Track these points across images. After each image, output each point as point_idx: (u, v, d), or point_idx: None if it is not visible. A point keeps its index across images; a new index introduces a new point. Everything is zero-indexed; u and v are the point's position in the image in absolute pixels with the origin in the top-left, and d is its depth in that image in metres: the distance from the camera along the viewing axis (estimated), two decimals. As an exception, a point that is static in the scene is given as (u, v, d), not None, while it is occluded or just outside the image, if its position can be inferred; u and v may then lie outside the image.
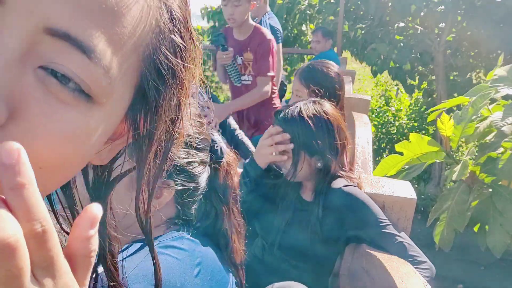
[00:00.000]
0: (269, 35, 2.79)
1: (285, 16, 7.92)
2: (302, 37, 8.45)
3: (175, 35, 0.37)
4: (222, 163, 1.01)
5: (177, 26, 0.38)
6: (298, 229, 1.48)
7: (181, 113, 0.41)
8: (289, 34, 8.27)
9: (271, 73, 2.75)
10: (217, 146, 0.99)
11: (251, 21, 2.82)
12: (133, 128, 0.39)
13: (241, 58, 2.82)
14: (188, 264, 0.81)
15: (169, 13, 0.37)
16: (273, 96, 2.97)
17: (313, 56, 4.86)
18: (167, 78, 0.38)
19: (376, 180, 1.52)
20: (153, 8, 0.35)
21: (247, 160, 1.61)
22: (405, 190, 1.45)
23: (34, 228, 0.26)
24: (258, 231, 1.61)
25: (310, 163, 1.49)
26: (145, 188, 0.43)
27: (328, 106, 1.52)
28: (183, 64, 0.39)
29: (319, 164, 1.47)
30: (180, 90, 0.40)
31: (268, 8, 4.54)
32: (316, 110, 1.48)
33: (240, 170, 1.62)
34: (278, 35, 3.51)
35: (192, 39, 0.40)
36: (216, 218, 0.99)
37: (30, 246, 0.26)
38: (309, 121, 1.46)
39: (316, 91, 1.99)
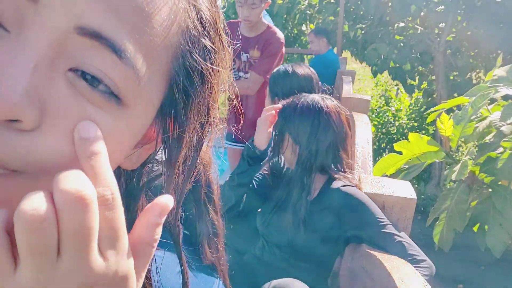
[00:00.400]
0: (282, 38, 2.74)
1: (285, 16, 7.92)
2: (302, 37, 8.45)
3: (204, 38, 0.37)
4: None
5: (207, 29, 0.37)
6: (297, 228, 1.48)
7: (210, 117, 0.41)
8: (289, 34, 8.28)
9: (266, 76, 2.68)
10: None
11: (263, 20, 2.78)
12: (162, 132, 0.38)
13: (247, 55, 2.76)
14: (171, 261, 0.81)
15: (198, 15, 0.36)
16: None
17: (313, 56, 4.85)
18: (196, 81, 0.37)
19: (376, 180, 1.53)
20: (182, 10, 0.34)
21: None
22: (405, 190, 1.45)
23: (105, 194, 0.27)
24: (259, 230, 1.61)
25: (294, 150, 1.51)
26: (173, 194, 0.41)
27: (329, 103, 1.52)
28: (212, 68, 0.38)
29: (298, 152, 1.49)
30: (209, 94, 0.39)
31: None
32: (314, 102, 1.49)
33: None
34: None
35: (222, 42, 0.40)
36: (186, 217, 0.94)
37: (99, 213, 0.27)
38: (301, 109, 1.49)
39: (272, 95, 2.02)
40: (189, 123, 0.38)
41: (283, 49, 2.76)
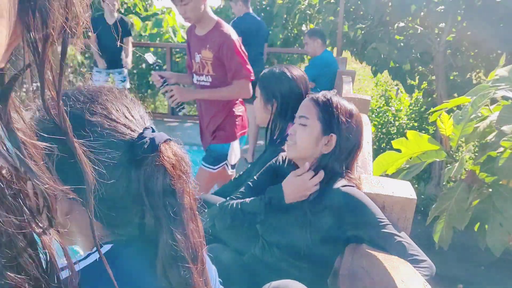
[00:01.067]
0: (229, 32, 2.58)
1: (285, 16, 7.93)
2: (302, 37, 8.45)
3: None
4: (154, 159, 0.65)
5: None
6: (297, 228, 1.48)
7: (73, 5, 0.40)
8: (289, 34, 8.29)
9: (245, 74, 2.57)
10: (144, 136, 0.66)
11: (211, 15, 2.62)
12: (26, 30, 0.38)
13: (199, 56, 2.65)
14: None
15: None
16: (235, 102, 2.75)
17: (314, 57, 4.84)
18: None
19: (376, 180, 1.52)
20: None
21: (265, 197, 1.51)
22: (405, 190, 1.45)
23: None
24: (259, 230, 1.61)
25: None
26: (52, 89, 0.44)
27: (343, 102, 1.51)
28: None
29: None
30: None
31: (249, 10, 4.57)
32: (333, 100, 1.48)
33: None
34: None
35: None
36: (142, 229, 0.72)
37: None
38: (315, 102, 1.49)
39: (269, 97, 1.99)
40: (51, 18, 0.38)
41: (236, 40, 2.59)
